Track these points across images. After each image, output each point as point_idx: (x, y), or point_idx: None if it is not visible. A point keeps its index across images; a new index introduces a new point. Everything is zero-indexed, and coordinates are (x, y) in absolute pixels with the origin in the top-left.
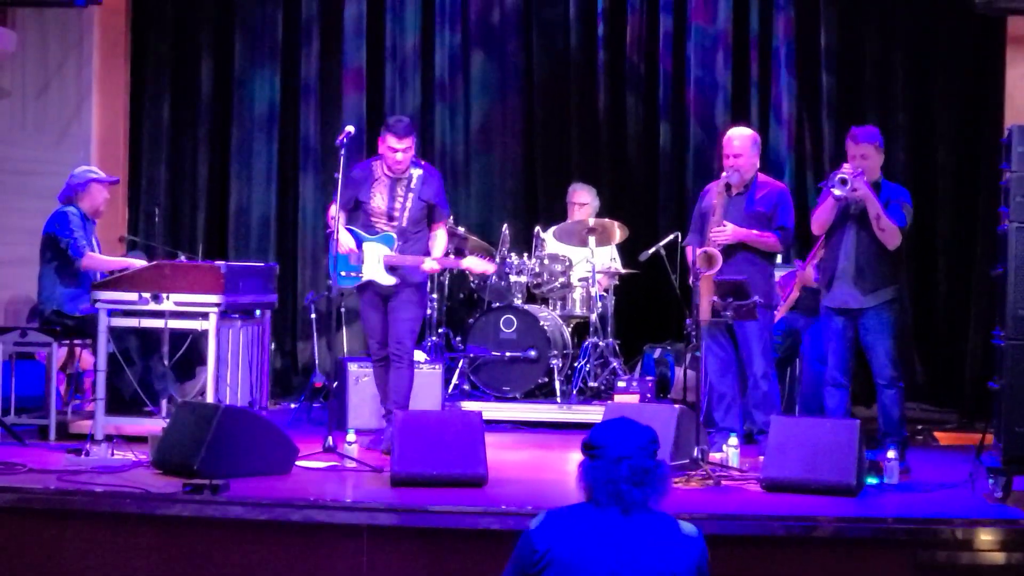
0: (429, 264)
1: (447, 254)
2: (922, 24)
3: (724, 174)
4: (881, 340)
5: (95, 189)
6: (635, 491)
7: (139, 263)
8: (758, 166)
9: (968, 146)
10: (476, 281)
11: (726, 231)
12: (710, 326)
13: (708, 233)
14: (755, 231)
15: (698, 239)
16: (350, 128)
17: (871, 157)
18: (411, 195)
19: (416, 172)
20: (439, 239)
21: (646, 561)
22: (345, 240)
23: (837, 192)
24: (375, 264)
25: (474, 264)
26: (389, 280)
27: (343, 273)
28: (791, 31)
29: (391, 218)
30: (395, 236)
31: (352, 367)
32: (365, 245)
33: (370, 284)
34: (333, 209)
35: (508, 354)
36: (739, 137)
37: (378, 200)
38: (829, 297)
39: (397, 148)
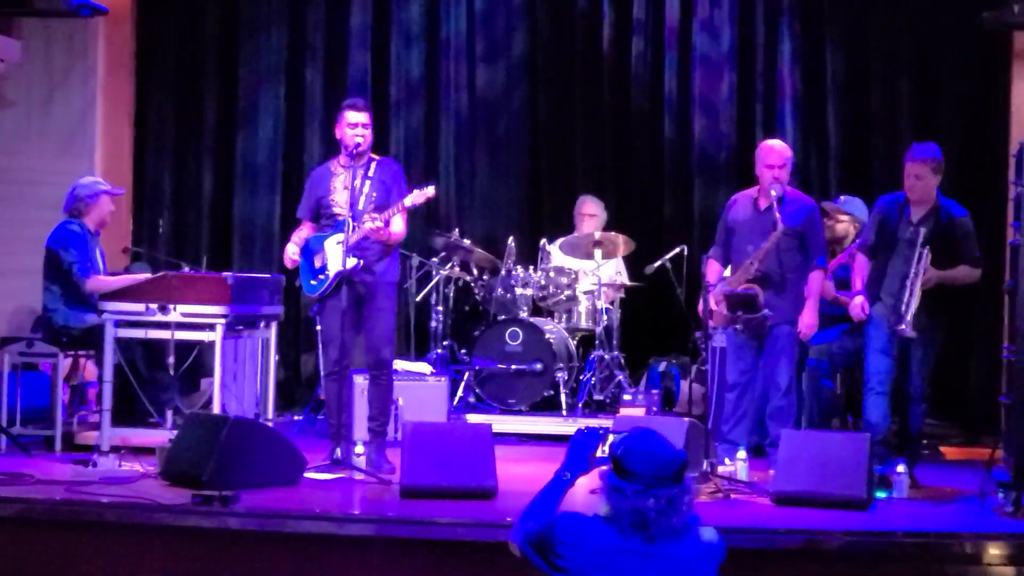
0: (370, 225)
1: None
2: (927, 41)
3: (769, 187)
4: (926, 356)
5: (104, 201)
6: (661, 520)
7: (143, 278)
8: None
9: (973, 161)
10: (481, 294)
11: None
12: (736, 337)
13: (745, 262)
14: (814, 293)
15: (722, 253)
16: (358, 139)
17: (925, 177)
18: (369, 182)
19: (373, 164)
20: (392, 210)
21: None
22: (290, 252)
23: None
24: (336, 254)
25: (414, 198)
26: (352, 262)
27: (312, 281)
28: (797, 65)
29: (352, 205)
30: (349, 220)
31: (358, 379)
32: (326, 243)
33: (336, 288)
34: (299, 230)
35: (514, 367)
36: (780, 148)
37: (339, 193)
38: (878, 307)
39: (357, 122)
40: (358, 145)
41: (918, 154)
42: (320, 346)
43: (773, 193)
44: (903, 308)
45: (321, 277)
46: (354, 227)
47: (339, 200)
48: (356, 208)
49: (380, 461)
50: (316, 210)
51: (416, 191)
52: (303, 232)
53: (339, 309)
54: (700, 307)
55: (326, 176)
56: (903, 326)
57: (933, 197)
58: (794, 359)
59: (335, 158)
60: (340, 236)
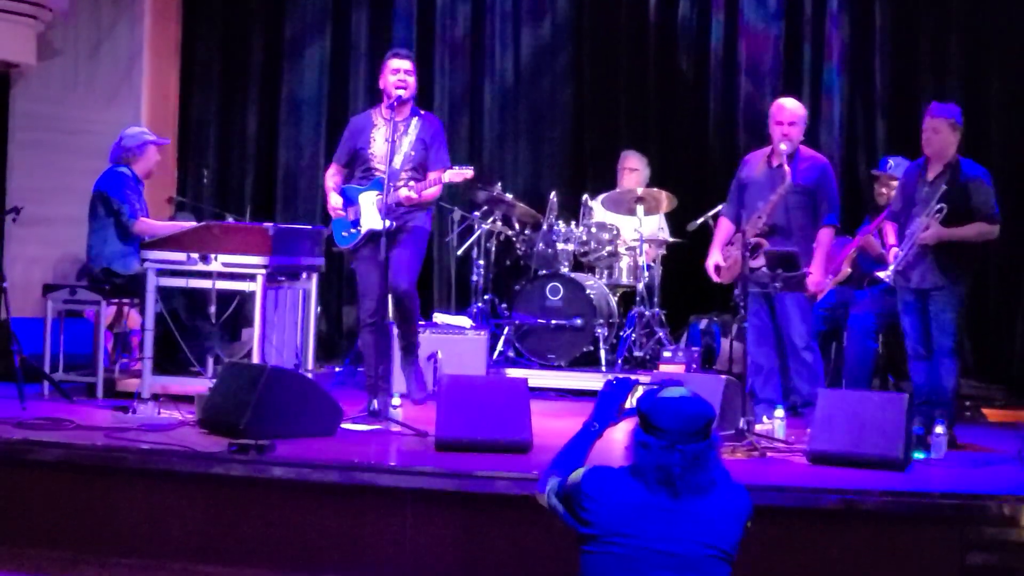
0: (405, 192)
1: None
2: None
3: (778, 143)
4: (946, 312)
5: (150, 151)
6: (687, 476)
7: (190, 225)
8: (802, 138)
9: (1021, 119)
10: (523, 248)
11: (822, 284)
12: (749, 294)
13: (753, 216)
14: (823, 248)
15: (733, 211)
16: (401, 92)
17: (942, 132)
18: (407, 139)
19: (415, 119)
20: (429, 181)
21: (694, 539)
22: (334, 202)
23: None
24: (370, 211)
25: (452, 176)
26: (383, 224)
27: (344, 234)
28: (845, 22)
29: (390, 161)
30: (384, 179)
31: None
32: (360, 197)
33: (369, 239)
34: (329, 171)
35: (554, 322)
36: (792, 106)
37: (377, 145)
38: (902, 278)
39: (399, 69)
40: (399, 96)
41: (936, 111)
42: (358, 296)
43: (783, 148)
44: (897, 256)
45: (353, 231)
46: (390, 187)
47: (377, 153)
48: (393, 166)
49: (417, 380)
50: (351, 157)
51: (457, 168)
52: (336, 178)
53: (374, 260)
54: (707, 263)
55: (367, 126)
56: (883, 272)
57: (950, 155)
58: (806, 314)
59: (377, 107)
60: (374, 194)
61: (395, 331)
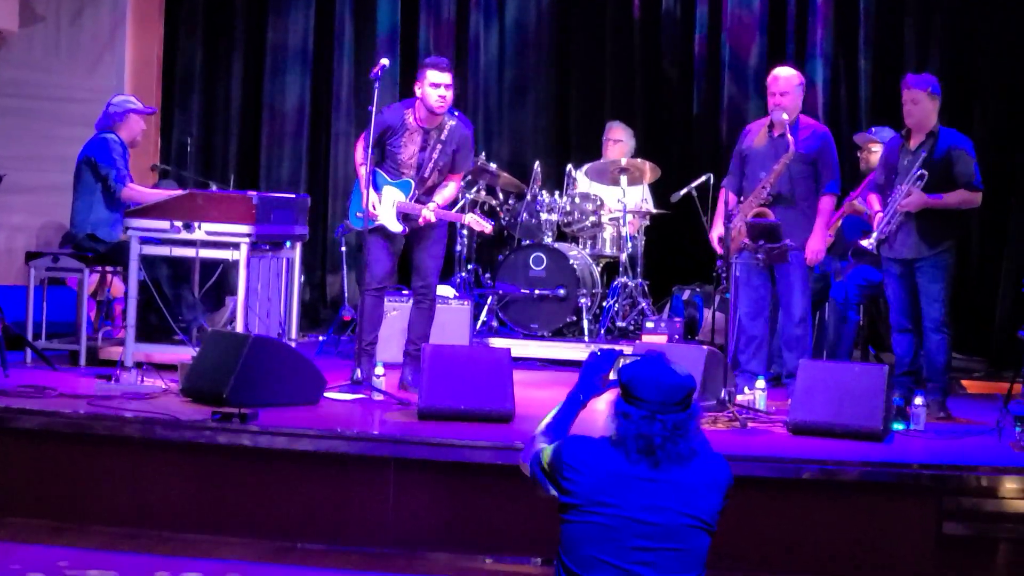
0: (427, 213)
1: (455, 206)
2: None
3: (771, 112)
4: (934, 284)
5: (133, 120)
6: (667, 445)
7: (176, 193)
8: (800, 107)
9: (1006, 95)
10: (506, 218)
11: (820, 252)
12: (749, 265)
13: (757, 187)
14: (824, 216)
15: (735, 182)
16: (385, 61)
17: (921, 102)
18: (440, 146)
19: (450, 122)
20: (448, 189)
21: (674, 509)
22: (371, 199)
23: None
24: (388, 209)
25: (472, 221)
26: (397, 228)
27: (359, 215)
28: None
29: (419, 169)
30: (413, 184)
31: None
32: (384, 188)
33: (382, 226)
34: (360, 151)
35: (537, 292)
36: (784, 76)
37: (408, 151)
38: (886, 247)
39: (440, 83)
40: (438, 107)
41: (912, 82)
42: (367, 263)
43: (785, 117)
44: (880, 224)
45: (372, 217)
46: (414, 192)
47: (406, 157)
48: (422, 173)
49: (417, 380)
50: (380, 142)
51: (478, 217)
52: (366, 162)
53: (388, 240)
54: (711, 235)
55: (400, 128)
56: (866, 240)
57: (931, 124)
58: (807, 288)
59: (412, 107)
60: (399, 193)
61: (407, 323)
